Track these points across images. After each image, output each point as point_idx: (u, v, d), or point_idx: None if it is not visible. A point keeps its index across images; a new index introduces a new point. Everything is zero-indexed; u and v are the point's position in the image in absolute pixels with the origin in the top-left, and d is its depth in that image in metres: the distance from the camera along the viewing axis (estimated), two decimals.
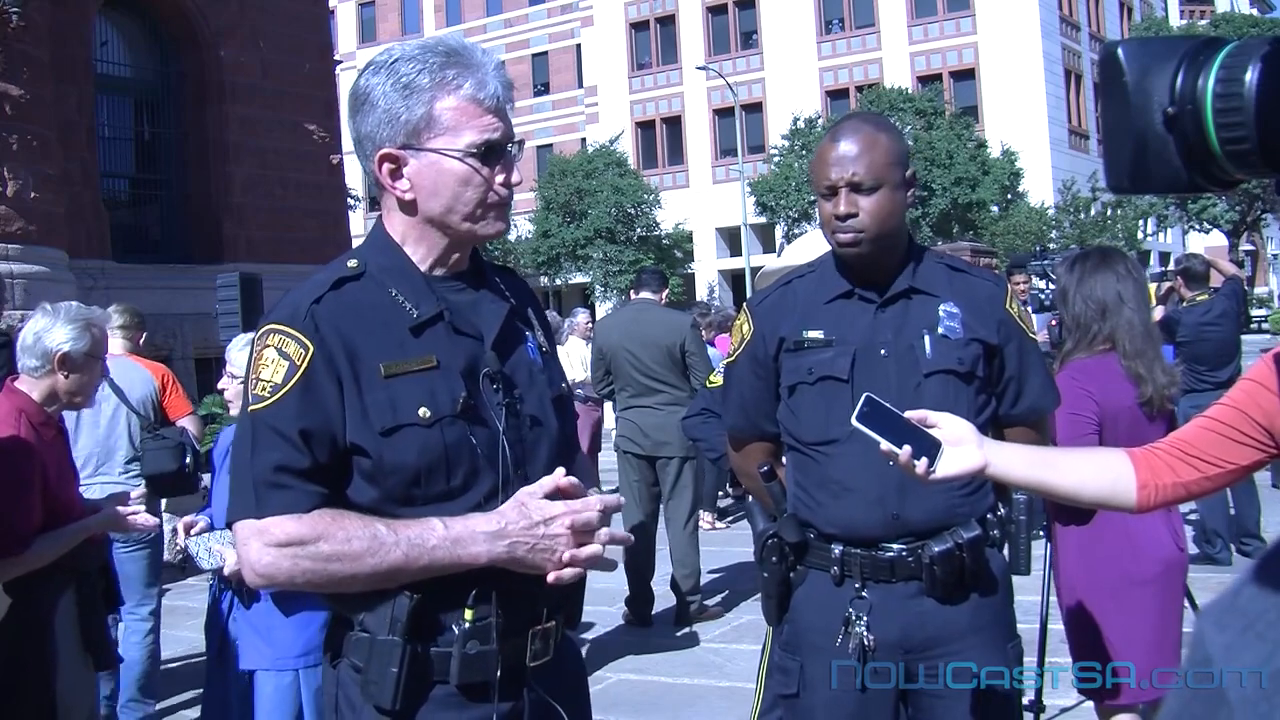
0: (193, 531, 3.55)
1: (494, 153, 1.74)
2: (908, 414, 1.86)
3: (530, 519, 1.66)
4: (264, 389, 1.66)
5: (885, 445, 1.84)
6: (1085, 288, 3.36)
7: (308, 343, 1.65)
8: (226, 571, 3.44)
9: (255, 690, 3.48)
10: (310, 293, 1.71)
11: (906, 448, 1.83)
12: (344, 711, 1.72)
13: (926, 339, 2.39)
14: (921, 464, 1.83)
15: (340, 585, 1.65)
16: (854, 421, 1.85)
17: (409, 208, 1.76)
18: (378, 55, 1.77)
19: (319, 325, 1.67)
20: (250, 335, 3.70)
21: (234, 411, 3.72)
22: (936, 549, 2.32)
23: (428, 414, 1.67)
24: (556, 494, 1.69)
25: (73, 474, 3.44)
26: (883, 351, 2.40)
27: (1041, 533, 3.45)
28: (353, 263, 1.76)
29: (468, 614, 1.67)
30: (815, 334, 2.45)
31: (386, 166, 1.74)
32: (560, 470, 1.71)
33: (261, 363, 1.67)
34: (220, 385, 3.85)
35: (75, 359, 3.24)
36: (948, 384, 2.38)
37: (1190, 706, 0.77)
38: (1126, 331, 3.30)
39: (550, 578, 1.68)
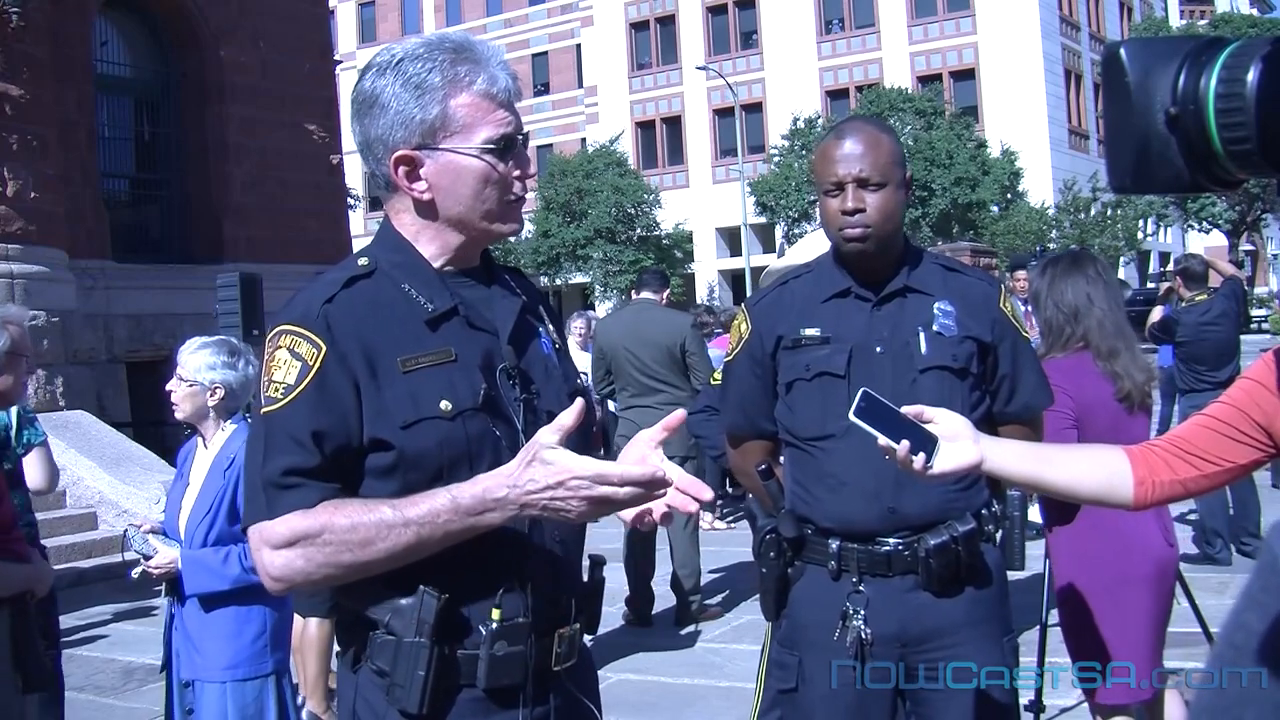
0: (142, 528, 3.46)
1: (509, 147, 1.73)
2: (904, 409, 1.86)
3: (541, 482, 1.55)
4: (276, 390, 1.63)
5: (883, 440, 1.83)
6: (1056, 292, 3.40)
7: (320, 342, 1.62)
8: (153, 564, 3.36)
9: (196, 700, 3.37)
10: (322, 292, 1.67)
11: (904, 443, 1.82)
12: (364, 718, 1.68)
13: (921, 336, 2.42)
14: (919, 459, 1.82)
15: (360, 573, 1.61)
16: (851, 416, 1.84)
17: (426, 208, 1.73)
18: (377, 56, 1.73)
19: (331, 324, 1.64)
20: (204, 339, 3.64)
21: (180, 415, 3.53)
22: (932, 542, 2.34)
23: (449, 407, 1.64)
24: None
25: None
26: (878, 348, 2.43)
27: (1045, 531, 3.45)
28: (363, 261, 1.73)
29: (495, 613, 1.64)
30: (812, 331, 2.48)
31: (402, 169, 1.71)
32: (575, 408, 1.60)
33: (274, 364, 1.64)
34: (169, 387, 3.52)
35: None
36: (942, 380, 2.41)
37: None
38: (1098, 333, 3.33)
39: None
